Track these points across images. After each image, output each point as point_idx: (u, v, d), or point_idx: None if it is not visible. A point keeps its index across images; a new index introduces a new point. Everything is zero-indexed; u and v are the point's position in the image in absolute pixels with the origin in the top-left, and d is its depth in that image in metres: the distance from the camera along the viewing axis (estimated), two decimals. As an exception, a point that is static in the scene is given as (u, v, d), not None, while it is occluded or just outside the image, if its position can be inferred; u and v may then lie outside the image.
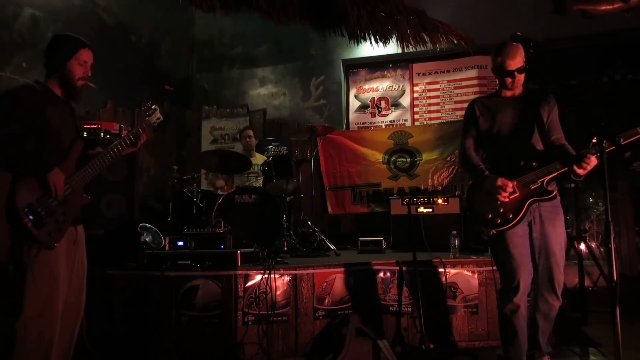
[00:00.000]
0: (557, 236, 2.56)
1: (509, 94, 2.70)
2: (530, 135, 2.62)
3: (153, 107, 2.57)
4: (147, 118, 2.54)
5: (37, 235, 2.13)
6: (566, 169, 2.45)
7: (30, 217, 2.12)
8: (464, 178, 5.33)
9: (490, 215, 2.55)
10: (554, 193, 2.53)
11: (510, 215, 2.52)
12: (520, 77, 2.61)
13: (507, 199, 2.50)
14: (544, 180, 2.50)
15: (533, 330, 2.63)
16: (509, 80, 2.62)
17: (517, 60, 2.55)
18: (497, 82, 2.73)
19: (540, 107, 2.64)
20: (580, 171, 2.40)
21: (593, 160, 2.36)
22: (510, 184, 2.49)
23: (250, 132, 5.44)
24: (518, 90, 2.69)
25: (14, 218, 2.11)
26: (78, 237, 2.40)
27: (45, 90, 2.29)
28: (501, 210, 2.53)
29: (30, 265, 2.13)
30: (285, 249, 4.21)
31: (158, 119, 2.58)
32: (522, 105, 2.66)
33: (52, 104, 2.27)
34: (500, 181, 2.48)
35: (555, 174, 2.49)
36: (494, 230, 2.55)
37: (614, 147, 2.22)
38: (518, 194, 2.51)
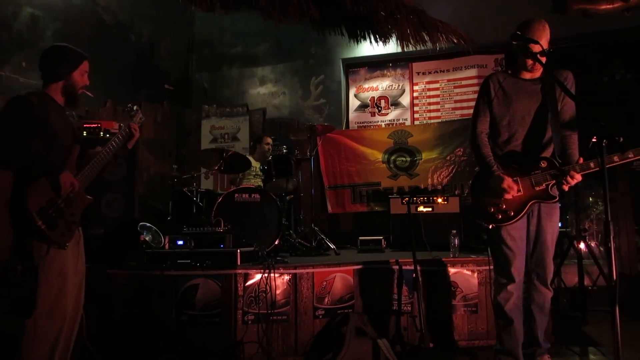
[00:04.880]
0: (552, 229, 2.60)
1: (527, 76, 2.60)
2: (544, 130, 2.57)
3: (135, 108, 2.71)
4: (132, 120, 2.68)
5: (51, 236, 2.20)
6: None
7: (44, 219, 2.19)
8: (463, 177, 5.34)
9: (492, 210, 2.55)
10: (557, 198, 2.53)
11: (512, 213, 2.52)
12: (542, 60, 2.46)
13: (511, 197, 2.50)
14: (549, 184, 2.50)
15: (530, 325, 2.64)
16: (530, 62, 2.51)
17: (542, 42, 2.42)
18: (518, 60, 2.61)
19: (556, 93, 2.54)
20: (564, 186, 2.45)
21: (577, 178, 2.40)
22: (515, 187, 2.48)
23: (270, 140, 5.20)
24: (537, 72, 2.59)
25: (25, 220, 2.17)
26: (80, 238, 2.49)
27: (48, 98, 2.40)
28: (503, 207, 2.53)
29: (40, 263, 2.20)
30: (285, 248, 4.22)
31: (141, 118, 2.72)
32: (539, 93, 2.57)
33: (54, 110, 2.37)
34: (506, 183, 2.47)
35: (553, 182, 2.50)
36: (492, 225, 2.56)
37: (618, 162, 2.27)
38: (522, 193, 2.51)
